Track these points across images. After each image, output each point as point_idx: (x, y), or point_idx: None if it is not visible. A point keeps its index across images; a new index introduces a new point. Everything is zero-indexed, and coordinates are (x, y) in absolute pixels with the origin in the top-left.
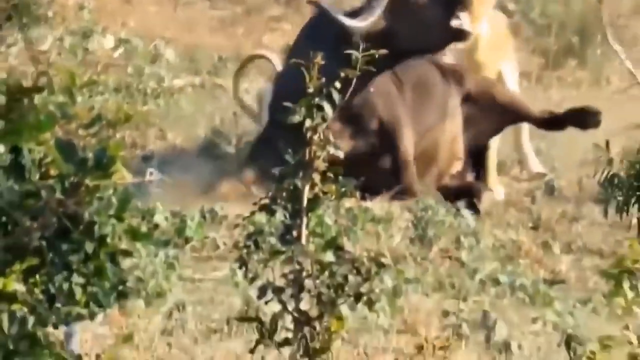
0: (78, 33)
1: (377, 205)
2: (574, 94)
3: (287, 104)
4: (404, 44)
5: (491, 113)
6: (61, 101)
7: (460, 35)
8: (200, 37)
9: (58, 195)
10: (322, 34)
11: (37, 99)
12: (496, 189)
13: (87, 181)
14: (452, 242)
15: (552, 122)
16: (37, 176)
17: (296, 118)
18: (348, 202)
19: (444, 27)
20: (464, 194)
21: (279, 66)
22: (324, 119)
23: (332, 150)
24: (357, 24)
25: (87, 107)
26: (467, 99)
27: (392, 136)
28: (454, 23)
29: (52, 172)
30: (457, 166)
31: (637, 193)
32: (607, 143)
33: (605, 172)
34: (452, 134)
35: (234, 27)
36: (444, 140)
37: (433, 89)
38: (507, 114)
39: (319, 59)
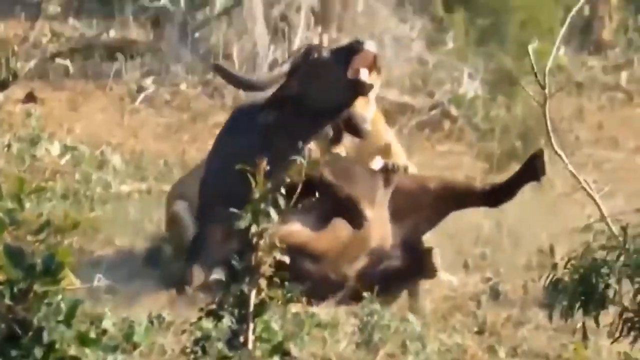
0: (25, 140)
1: (324, 310)
2: (517, 198)
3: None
4: (312, 105)
5: (427, 201)
6: (10, 207)
7: (360, 87)
8: (146, 144)
9: (7, 301)
10: (244, 127)
11: None
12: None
13: (36, 287)
14: (398, 346)
15: (501, 193)
16: None
17: (242, 224)
18: (294, 307)
19: (343, 81)
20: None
21: None
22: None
23: (278, 255)
24: (257, 80)
25: (35, 214)
26: (397, 190)
27: None
28: (352, 76)
29: (1, 277)
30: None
31: (582, 297)
32: (552, 247)
33: (550, 277)
34: (378, 225)
35: (180, 133)
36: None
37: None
38: (448, 200)
39: (265, 164)
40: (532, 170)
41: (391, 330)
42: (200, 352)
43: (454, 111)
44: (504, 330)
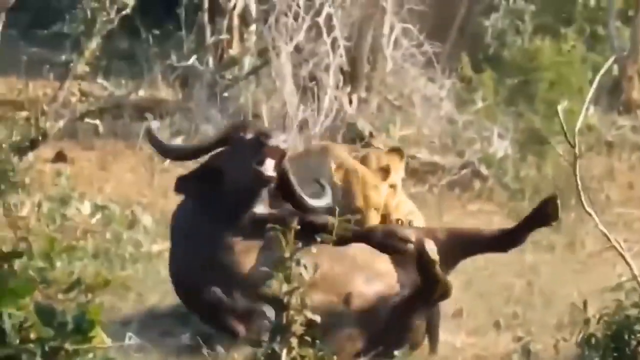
0: (56, 199)
1: None
2: (548, 257)
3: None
4: (231, 185)
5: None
6: (40, 266)
7: (259, 179)
8: (176, 203)
9: (38, 359)
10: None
11: (17, 264)
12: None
13: (67, 345)
14: None
15: (510, 238)
16: (18, 340)
17: (274, 284)
18: None
19: (251, 169)
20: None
21: None
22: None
23: (309, 314)
24: (180, 149)
25: (66, 272)
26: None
27: None
28: (257, 166)
29: (32, 336)
30: None
31: (615, 354)
32: (585, 303)
33: (583, 333)
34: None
35: None
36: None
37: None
38: (456, 247)
39: (295, 224)
40: (544, 214)
41: None
42: None
43: (484, 170)
44: None
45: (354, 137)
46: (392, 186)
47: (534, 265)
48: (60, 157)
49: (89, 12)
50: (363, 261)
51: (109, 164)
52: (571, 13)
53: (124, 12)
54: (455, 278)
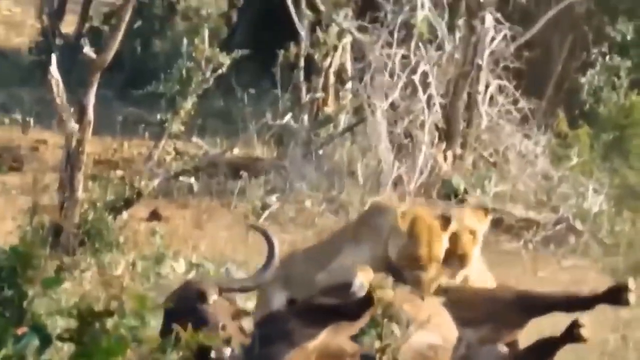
0: (150, 258)
1: None
2: None
3: None
4: None
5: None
6: (132, 325)
7: None
8: None
9: None
10: None
11: (109, 323)
12: None
13: None
14: None
15: (579, 305)
16: None
17: (367, 340)
18: None
19: None
20: None
21: None
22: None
23: None
24: None
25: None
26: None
27: None
28: None
29: None
30: None
31: None
32: None
33: None
34: None
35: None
36: None
37: None
38: (522, 308)
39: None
40: (615, 297)
41: None
42: None
43: (579, 226)
44: None
45: (449, 194)
46: (472, 233)
47: (628, 321)
48: (154, 215)
49: (184, 72)
50: None
51: (204, 222)
52: None
53: (219, 72)
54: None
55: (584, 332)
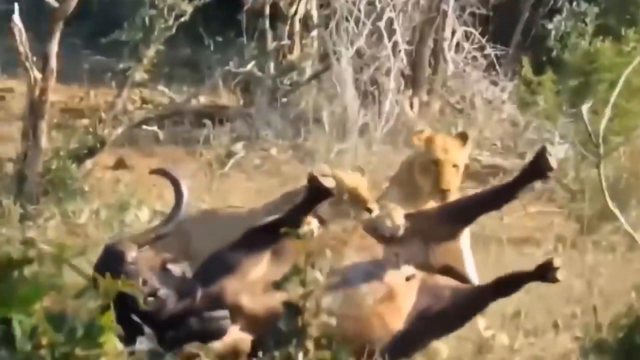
0: (114, 206)
1: None
2: (609, 257)
3: None
4: None
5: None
6: (50, 273)
7: None
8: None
9: None
10: None
11: (27, 271)
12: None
13: (77, 351)
14: None
15: (507, 194)
16: (29, 346)
17: (289, 286)
18: None
19: None
20: None
21: None
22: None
23: (325, 317)
24: None
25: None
26: None
27: None
28: None
29: (44, 342)
30: None
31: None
32: (594, 308)
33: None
34: None
35: (270, 198)
36: None
37: None
38: (454, 218)
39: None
40: (537, 167)
41: None
42: None
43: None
44: None
45: None
46: (455, 166)
47: (594, 266)
48: (120, 164)
49: (147, 20)
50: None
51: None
52: (635, 14)
53: (182, 19)
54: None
55: (559, 274)
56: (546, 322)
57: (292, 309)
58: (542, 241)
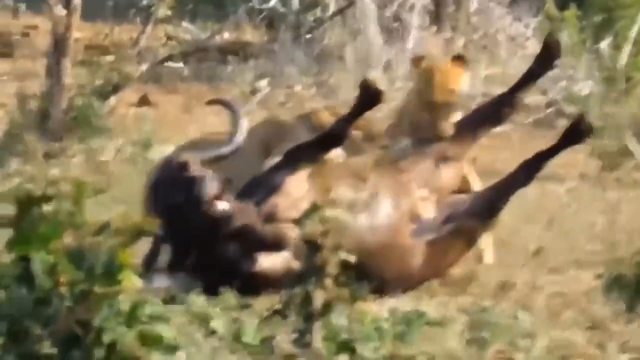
0: (138, 143)
1: (432, 307)
2: (632, 194)
3: None
4: None
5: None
6: (70, 210)
7: None
8: None
9: (68, 302)
10: None
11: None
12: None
13: (96, 288)
14: (508, 344)
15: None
16: (48, 284)
17: (308, 225)
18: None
19: None
20: None
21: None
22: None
23: (343, 255)
24: None
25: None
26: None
27: None
28: None
29: (63, 279)
30: None
31: None
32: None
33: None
34: None
35: None
36: None
37: None
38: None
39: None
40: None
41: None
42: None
43: (568, 109)
44: (614, 325)
45: None
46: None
47: (616, 203)
48: (144, 101)
49: None
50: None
51: (193, 108)
52: None
53: None
54: (536, 217)
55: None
56: (568, 259)
57: (311, 246)
58: (565, 178)
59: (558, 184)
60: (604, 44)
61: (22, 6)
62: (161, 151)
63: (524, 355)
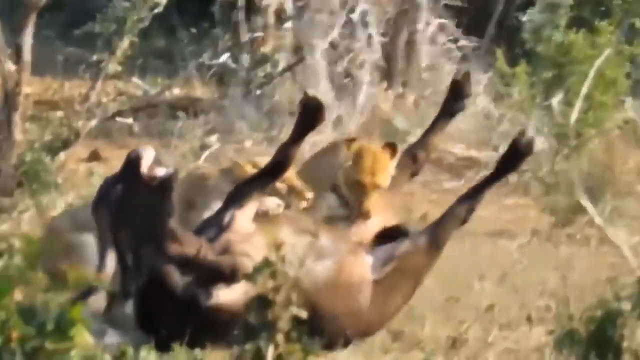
0: (88, 198)
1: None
2: (583, 251)
3: None
4: None
5: None
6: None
7: None
8: None
9: (19, 358)
10: None
11: None
12: None
13: (47, 344)
14: None
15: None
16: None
17: (257, 278)
18: None
19: None
20: None
21: None
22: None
23: (294, 310)
24: None
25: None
26: None
27: None
28: None
29: (14, 335)
30: None
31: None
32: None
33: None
34: None
35: None
36: None
37: None
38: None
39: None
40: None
41: None
42: None
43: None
44: None
45: (389, 133)
46: (379, 187)
47: (568, 259)
48: (94, 156)
49: (120, 11)
50: None
51: None
52: (609, 6)
53: (155, 11)
54: (488, 273)
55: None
56: (520, 315)
57: (263, 302)
58: (517, 234)
59: (510, 240)
60: (555, 100)
61: None
62: None
63: None
